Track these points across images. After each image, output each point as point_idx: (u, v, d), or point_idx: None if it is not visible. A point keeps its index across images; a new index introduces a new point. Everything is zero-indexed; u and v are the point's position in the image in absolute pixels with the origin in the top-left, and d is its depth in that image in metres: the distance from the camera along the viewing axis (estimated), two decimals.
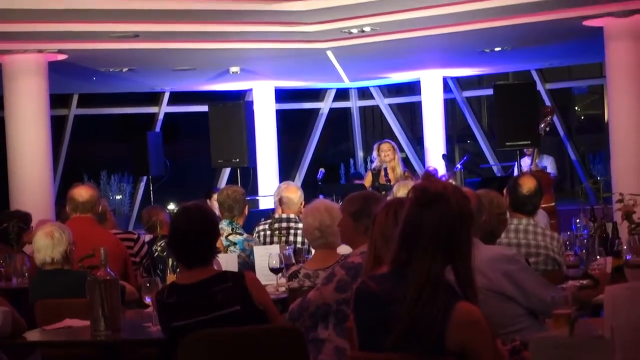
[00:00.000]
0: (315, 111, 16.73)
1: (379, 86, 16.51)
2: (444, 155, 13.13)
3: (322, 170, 11.49)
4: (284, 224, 7.42)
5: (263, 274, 6.19)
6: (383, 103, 16.77)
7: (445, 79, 15.22)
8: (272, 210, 8.46)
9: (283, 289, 5.98)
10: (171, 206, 12.25)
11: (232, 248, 6.99)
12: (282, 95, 15.49)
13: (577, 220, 6.90)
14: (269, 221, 7.56)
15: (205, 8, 10.02)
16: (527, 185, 6.19)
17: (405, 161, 14.02)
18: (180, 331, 4.30)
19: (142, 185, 15.12)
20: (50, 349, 5.38)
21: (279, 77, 14.50)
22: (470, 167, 14.15)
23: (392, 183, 10.72)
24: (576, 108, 18.45)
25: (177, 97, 15.66)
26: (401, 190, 7.49)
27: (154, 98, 15.50)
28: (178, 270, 5.34)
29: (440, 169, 12.45)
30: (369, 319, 3.20)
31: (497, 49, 12.61)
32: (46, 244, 5.69)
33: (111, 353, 4.88)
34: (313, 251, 5.81)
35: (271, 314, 4.49)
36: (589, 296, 4.87)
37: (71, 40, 10.69)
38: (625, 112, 10.78)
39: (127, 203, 15.11)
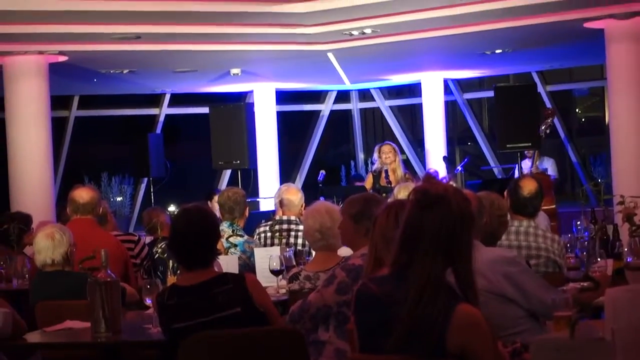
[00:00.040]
0: (316, 113, 16.73)
1: (380, 88, 16.51)
2: (444, 157, 13.13)
3: (322, 172, 11.49)
4: (285, 226, 7.42)
5: (264, 276, 6.19)
6: (384, 105, 16.77)
7: (446, 81, 15.22)
8: (273, 212, 8.46)
9: (283, 290, 5.98)
10: (172, 208, 12.24)
11: (232, 250, 6.99)
12: (282, 97, 15.49)
13: (578, 223, 6.90)
14: (269, 223, 7.57)
15: (206, 10, 10.02)
16: (528, 187, 6.19)
17: (406, 163, 14.03)
18: (180, 333, 4.30)
19: (143, 186, 15.12)
20: (51, 351, 5.38)
21: (280, 78, 14.50)
22: (470, 169, 14.15)
23: (392, 185, 10.72)
24: (577, 110, 18.45)
25: (178, 99, 15.66)
26: (402, 192, 7.49)
27: (154, 100, 15.51)
28: (178, 272, 5.34)
29: (441, 171, 12.44)
30: (370, 321, 3.20)
31: (497, 51, 12.61)
32: (47, 246, 5.70)
33: (112, 355, 4.89)
34: (314, 253, 5.81)
35: (272, 316, 4.49)
36: (590, 298, 4.87)
37: (72, 42, 10.69)
38: (626, 114, 10.78)
39: (127, 205, 15.11)
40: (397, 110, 16.87)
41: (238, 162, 12.88)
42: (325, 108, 16.69)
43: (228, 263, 6.26)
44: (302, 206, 7.50)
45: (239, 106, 13.34)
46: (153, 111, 15.56)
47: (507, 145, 11.56)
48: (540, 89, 14.80)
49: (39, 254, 5.73)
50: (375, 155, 11.71)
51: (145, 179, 14.53)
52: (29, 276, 7.09)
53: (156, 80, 14.07)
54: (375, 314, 3.18)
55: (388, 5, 10.09)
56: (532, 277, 4.44)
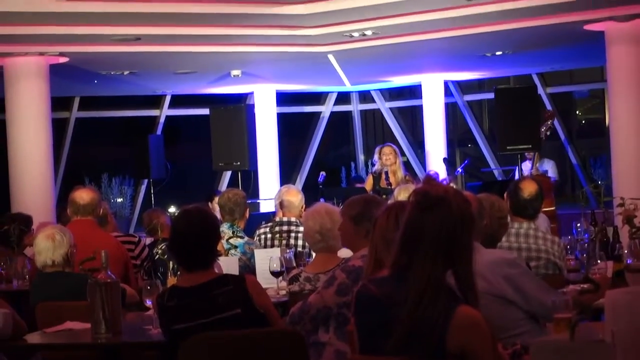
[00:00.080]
0: (317, 114, 16.74)
1: (380, 90, 16.52)
2: (444, 159, 13.14)
3: (323, 173, 11.50)
4: (285, 227, 7.42)
5: (264, 277, 6.19)
6: (384, 107, 16.78)
7: (446, 83, 15.23)
8: (273, 214, 8.47)
9: (284, 292, 5.98)
10: (172, 209, 12.25)
11: (233, 251, 6.99)
12: (283, 98, 15.50)
13: (578, 225, 6.90)
14: (269, 224, 7.57)
15: (207, 11, 10.02)
16: (528, 189, 6.19)
17: (406, 165, 14.03)
18: (180, 334, 4.30)
19: (143, 188, 15.12)
20: (51, 352, 5.38)
21: (280, 80, 14.51)
22: (471, 171, 14.16)
23: (393, 187, 10.72)
24: (577, 112, 18.46)
25: (178, 100, 15.67)
26: (402, 194, 7.49)
27: (155, 101, 15.51)
28: (179, 273, 5.34)
29: (441, 172, 12.45)
30: (370, 322, 3.20)
31: (498, 53, 12.62)
32: (47, 247, 5.70)
33: (112, 356, 4.89)
34: (314, 254, 5.81)
35: (272, 317, 4.49)
36: (590, 300, 4.87)
37: (73, 43, 10.70)
38: (626, 116, 10.79)
39: (128, 206, 15.11)
40: (398, 112, 16.88)
41: (238, 163, 12.88)
42: (326, 109, 16.70)
43: (228, 264, 6.26)
44: (302, 208, 7.50)
45: (239, 107, 13.35)
46: (153, 112, 15.56)
47: (507, 147, 11.56)
48: (540, 91, 14.82)
49: (39, 255, 5.73)
50: (376, 156, 11.72)
51: (146, 180, 14.54)
52: (29, 277, 7.10)
53: (157, 82, 14.07)
54: (375, 316, 3.18)
55: (388, 7, 10.10)
56: (532, 279, 4.44)
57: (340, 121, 17.33)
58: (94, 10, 9.66)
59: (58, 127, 13.26)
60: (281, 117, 15.29)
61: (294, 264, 6.26)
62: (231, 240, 7.04)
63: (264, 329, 4.39)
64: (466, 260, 3.15)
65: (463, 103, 16.08)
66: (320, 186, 11.27)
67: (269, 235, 7.45)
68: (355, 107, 17.08)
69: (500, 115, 11.79)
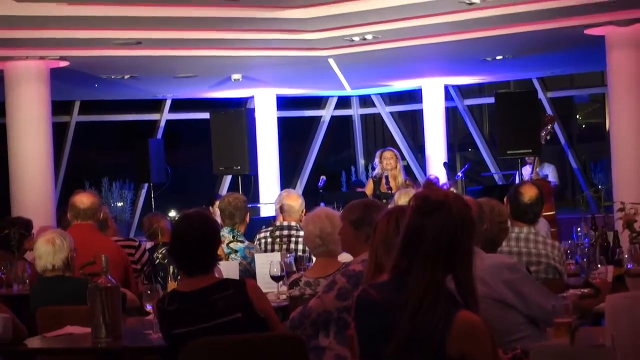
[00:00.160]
0: (317, 119, 16.74)
1: (381, 94, 16.52)
2: (445, 164, 13.13)
3: (323, 178, 11.50)
4: (285, 232, 7.42)
5: (264, 282, 6.19)
6: (384, 111, 16.78)
7: (446, 87, 15.23)
8: (274, 218, 8.47)
9: (284, 296, 5.98)
10: (172, 213, 12.25)
11: (233, 255, 6.99)
12: (283, 102, 15.51)
13: (578, 229, 6.90)
14: (270, 229, 7.57)
15: (208, 15, 10.04)
16: (528, 193, 6.18)
17: (407, 169, 14.03)
18: (181, 339, 4.30)
19: (144, 192, 15.12)
20: (51, 356, 5.37)
21: (281, 84, 14.51)
22: (471, 175, 14.15)
23: (393, 191, 10.72)
24: (577, 116, 18.47)
25: (179, 104, 15.67)
26: (402, 199, 7.49)
27: (155, 105, 15.52)
28: (179, 277, 5.34)
29: (442, 177, 12.45)
30: (370, 327, 3.20)
31: (498, 57, 12.62)
32: (47, 251, 5.70)
33: None
34: (314, 259, 5.81)
35: (272, 321, 4.49)
36: (590, 305, 4.87)
37: (73, 47, 10.71)
38: (627, 121, 10.79)
39: (128, 210, 15.11)
40: (398, 116, 16.88)
41: (239, 167, 12.87)
42: (326, 114, 16.70)
43: (228, 269, 6.26)
44: (302, 212, 7.51)
45: (239, 112, 13.34)
46: (154, 116, 15.57)
47: (508, 152, 11.57)
48: (540, 95, 14.82)
49: (40, 259, 5.73)
50: (377, 160, 11.72)
51: (146, 185, 14.54)
52: (30, 281, 7.10)
53: (157, 86, 14.08)
54: (375, 320, 3.18)
55: (389, 12, 10.11)
56: (532, 283, 4.44)
57: (341, 125, 17.33)
58: (94, 14, 9.68)
59: (58, 131, 13.26)
60: (281, 121, 15.29)
61: (294, 269, 6.26)
62: (231, 245, 7.04)
63: (265, 333, 4.39)
64: (466, 264, 3.15)
65: (463, 107, 16.08)
66: (321, 190, 11.27)
67: (269, 240, 7.45)
68: (355, 112, 17.08)
69: (501, 120, 11.80)
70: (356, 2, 10.02)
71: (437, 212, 3.14)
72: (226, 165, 13.03)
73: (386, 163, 11.51)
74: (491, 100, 13.35)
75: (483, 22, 10.42)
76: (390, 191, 11.03)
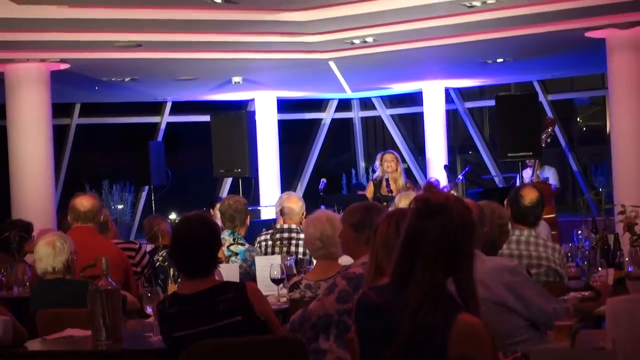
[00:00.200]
0: (317, 121, 16.74)
1: (381, 97, 16.53)
2: (445, 166, 13.14)
3: (323, 180, 11.50)
4: (286, 235, 7.42)
5: (264, 285, 6.19)
6: (385, 114, 16.79)
7: (447, 90, 15.23)
8: (274, 221, 8.47)
9: (284, 299, 5.98)
10: (173, 216, 12.25)
11: (233, 258, 6.99)
12: (284, 105, 15.51)
13: (579, 232, 6.90)
14: (270, 231, 7.57)
15: (208, 18, 10.04)
16: (529, 196, 6.18)
17: (407, 172, 14.03)
18: (181, 341, 4.30)
19: (144, 194, 15.12)
20: (52, 359, 5.37)
21: (281, 87, 14.52)
22: (471, 178, 14.16)
23: (394, 194, 10.72)
24: (578, 119, 18.47)
25: (179, 107, 15.68)
26: (403, 201, 7.49)
27: (156, 108, 15.52)
28: (179, 280, 5.34)
29: (442, 179, 12.46)
30: (371, 329, 3.20)
31: (499, 60, 12.62)
32: (47, 254, 5.70)
33: None
34: (314, 262, 5.81)
35: (272, 324, 4.48)
36: (591, 308, 4.86)
37: (74, 50, 10.71)
38: (627, 124, 10.80)
39: (128, 213, 15.12)
40: (398, 119, 16.88)
41: (239, 170, 12.87)
42: (327, 116, 16.71)
43: (229, 271, 6.26)
44: (303, 215, 7.50)
45: (240, 114, 13.34)
46: (154, 119, 15.57)
47: (508, 154, 11.57)
48: (541, 98, 14.82)
49: (40, 262, 5.73)
50: (377, 162, 11.72)
51: (147, 187, 14.54)
52: (30, 284, 7.09)
53: (158, 88, 14.08)
54: (376, 323, 3.18)
55: (390, 14, 10.11)
56: (533, 286, 4.44)
57: (341, 128, 17.34)
58: (95, 16, 9.68)
59: (59, 134, 13.27)
60: (282, 124, 15.29)
61: (295, 271, 6.26)
62: (232, 247, 7.04)
63: (265, 336, 4.39)
64: (467, 267, 3.14)
65: (464, 110, 16.09)
66: (321, 193, 11.27)
67: (269, 242, 7.44)
68: (356, 114, 17.08)
69: (501, 123, 11.80)
70: (357, 5, 10.01)
71: (438, 215, 3.13)
72: (226, 168, 13.03)
73: (387, 166, 11.51)
74: (492, 102, 13.35)
75: (483, 25, 10.42)
76: (390, 194, 11.03)
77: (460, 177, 12.35)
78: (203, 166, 14.19)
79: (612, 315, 3.38)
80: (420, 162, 16.34)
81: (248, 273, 6.81)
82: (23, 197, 10.87)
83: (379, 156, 11.78)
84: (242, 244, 7.11)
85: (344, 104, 16.83)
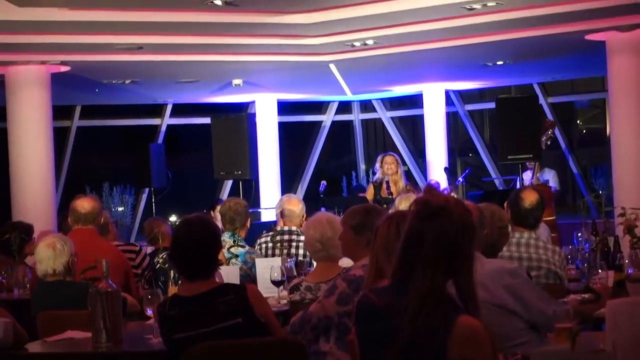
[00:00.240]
0: (318, 124, 16.75)
1: (382, 99, 16.54)
2: (445, 169, 13.14)
3: (324, 182, 11.50)
4: (286, 237, 7.42)
5: (265, 287, 6.19)
6: (385, 116, 16.79)
7: (447, 92, 15.24)
8: (274, 223, 8.47)
9: (284, 301, 5.98)
10: (173, 218, 12.26)
11: (234, 260, 7.00)
12: (284, 107, 15.51)
13: (579, 234, 6.90)
14: (270, 233, 7.57)
15: (209, 20, 10.04)
16: (529, 198, 6.18)
17: (407, 174, 14.03)
18: (181, 343, 4.30)
19: (144, 197, 15.13)
20: None
21: (282, 89, 14.52)
22: (472, 180, 14.16)
23: (394, 196, 10.72)
24: (578, 122, 18.46)
25: (180, 109, 15.68)
26: (403, 204, 7.49)
27: (156, 110, 15.53)
28: (180, 282, 5.34)
29: (442, 182, 12.46)
30: (371, 332, 3.20)
31: (499, 62, 12.63)
32: (48, 256, 5.70)
33: None
34: (315, 264, 5.81)
35: (273, 326, 4.49)
36: (591, 310, 4.87)
37: (74, 52, 10.71)
38: (627, 126, 10.80)
39: (129, 215, 15.12)
40: (399, 121, 16.89)
41: (239, 172, 12.87)
42: (327, 119, 16.71)
43: (229, 273, 6.27)
44: (303, 217, 7.51)
45: (240, 117, 13.35)
46: (155, 121, 15.58)
47: (508, 157, 11.57)
48: (541, 100, 14.84)
49: (40, 264, 5.73)
50: (378, 165, 11.71)
51: (147, 189, 14.55)
52: (30, 286, 7.09)
53: (158, 91, 14.09)
54: (376, 325, 3.18)
55: (390, 17, 10.11)
56: (532, 288, 4.44)
57: (342, 130, 17.34)
58: (95, 19, 9.68)
59: (59, 136, 13.27)
60: (282, 126, 15.30)
61: (295, 273, 6.26)
62: (232, 250, 7.05)
63: (265, 338, 4.39)
64: (467, 269, 3.14)
65: (464, 112, 16.09)
66: (321, 195, 11.27)
67: (270, 245, 7.45)
68: (356, 117, 17.09)
69: (501, 125, 11.80)
70: (357, 8, 10.02)
71: (438, 217, 3.13)
72: (227, 170, 13.03)
73: (387, 168, 11.51)
74: (492, 105, 13.35)
75: (484, 28, 10.42)
76: (391, 196, 11.03)
77: (460, 179, 12.35)
78: (203, 168, 14.19)
79: (612, 317, 3.39)
80: (420, 165, 16.35)
81: (248, 275, 6.81)
82: (23, 199, 10.87)
83: (379, 158, 11.77)
84: (242, 246, 7.12)
85: (345, 107, 16.84)
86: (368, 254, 4.05)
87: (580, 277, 6.10)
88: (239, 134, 12.85)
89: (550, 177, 13.17)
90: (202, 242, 4.45)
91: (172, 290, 5.57)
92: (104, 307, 4.72)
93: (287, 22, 10.33)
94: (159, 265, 7.30)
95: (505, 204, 6.19)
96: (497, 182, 15.68)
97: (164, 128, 15.53)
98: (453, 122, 16.56)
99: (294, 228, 7.45)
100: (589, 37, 10.78)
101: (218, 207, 8.93)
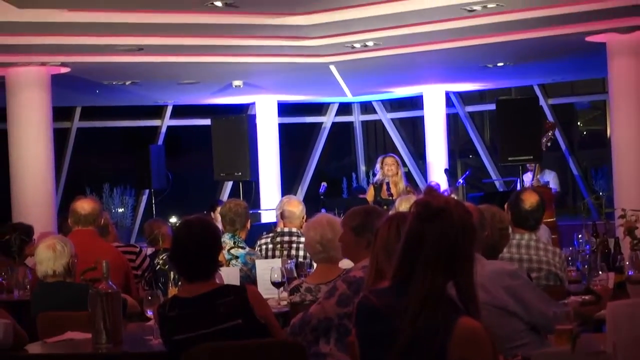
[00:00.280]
0: (318, 125, 16.75)
1: (382, 100, 16.54)
2: (446, 170, 13.13)
3: (324, 184, 11.50)
4: (286, 238, 7.42)
5: (265, 288, 6.19)
6: (385, 117, 16.79)
7: (447, 94, 15.24)
8: (274, 224, 8.47)
9: (285, 302, 5.98)
10: (173, 219, 12.26)
11: (234, 262, 7.00)
12: (284, 109, 15.52)
13: (579, 236, 6.89)
14: (271, 235, 7.57)
15: (209, 22, 10.04)
16: (529, 200, 6.18)
17: (408, 176, 14.03)
18: (181, 344, 4.30)
19: (145, 198, 15.13)
20: None
21: (282, 91, 14.52)
22: (472, 181, 14.16)
23: (394, 197, 10.72)
24: (578, 123, 18.46)
25: (180, 111, 15.68)
26: (403, 205, 7.49)
27: (156, 111, 15.53)
28: (180, 283, 5.34)
29: (443, 183, 12.46)
30: (371, 333, 3.20)
31: (499, 64, 12.63)
32: (48, 257, 5.70)
33: None
34: (315, 265, 5.81)
35: (273, 328, 4.49)
36: (591, 312, 4.87)
37: (74, 54, 10.71)
38: (628, 128, 10.80)
39: (129, 216, 15.12)
40: (399, 123, 16.89)
41: (240, 173, 12.87)
42: (327, 120, 16.71)
43: (229, 275, 6.27)
44: (303, 218, 7.51)
45: (240, 118, 13.35)
46: (155, 122, 15.58)
47: (509, 158, 11.57)
48: (542, 102, 14.83)
49: (40, 265, 5.73)
50: (378, 166, 11.71)
51: (147, 191, 14.54)
52: (30, 287, 7.09)
53: (158, 92, 14.09)
54: (376, 327, 3.18)
55: (390, 18, 10.11)
56: (533, 290, 4.44)
57: (342, 132, 17.34)
58: (96, 20, 9.68)
59: (59, 137, 13.27)
60: (282, 128, 15.30)
61: (295, 275, 6.26)
62: (232, 251, 7.05)
63: (265, 339, 4.39)
64: (467, 271, 3.14)
65: (464, 114, 16.09)
66: (322, 197, 11.27)
67: (270, 246, 7.45)
68: (356, 118, 17.09)
69: (502, 127, 11.80)
70: (357, 9, 10.02)
71: (438, 219, 3.13)
72: (227, 172, 13.03)
73: (387, 169, 11.51)
74: (492, 107, 13.35)
75: (484, 29, 10.42)
76: (391, 197, 11.03)
77: (460, 180, 12.34)
78: (203, 170, 14.19)
79: (613, 319, 3.39)
80: (420, 166, 16.35)
81: (248, 276, 6.81)
82: (24, 201, 10.87)
83: (379, 160, 11.77)
84: (242, 248, 7.12)
85: (345, 108, 16.84)
86: (368, 255, 4.05)
87: (581, 278, 6.09)
88: (239, 135, 12.85)
89: (551, 178, 13.17)
90: (202, 244, 4.45)
91: (172, 291, 5.57)
92: (104, 308, 4.72)
93: (287, 24, 10.34)
94: (159, 266, 7.29)
95: (505, 206, 6.19)
96: (497, 183, 15.68)
97: (164, 129, 15.53)
98: (453, 123, 16.55)
99: (294, 229, 7.45)
100: (589, 38, 10.78)
101: (218, 209, 8.94)
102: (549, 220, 8.80)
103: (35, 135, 10.96)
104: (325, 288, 4.96)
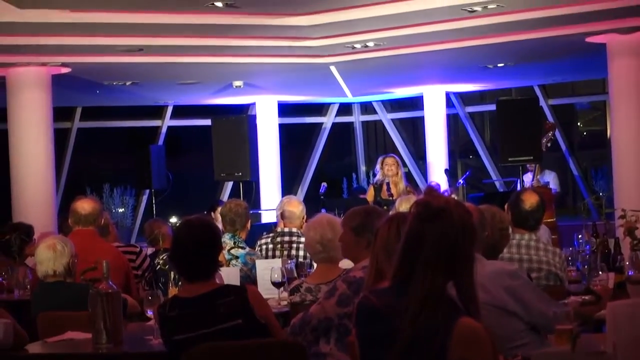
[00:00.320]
0: (318, 125, 16.75)
1: (382, 101, 16.53)
2: (446, 170, 13.13)
3: (324, 184, 11.50)
4: (286, 238, 7.42)
5: (265, 288, 6.19)
6: (386, 118, 16.79)
7: (448, 95, 15.24)
8: (275, 224, 8.47)
9: (285, 303, 5.98)
10: (173, 219, 12.26)
11: (234, 262, 7.00)
12: (285, 109, 15.52)
13: (579, 236, 6.90)
14: (271, 235, 7.57)
15: (209, 22, 10.04)
16: (530, 200, 6.18)
17: (408, 176, 14.03)
18: (181, 344, 4.30)
19: (145, 198, 15.13)
20: None
21: (282, 91, 14.52)
22: (472, 182, 14.15)
23: (394, 198, 10.72)
24: (579, 124, 18.46)
25: (180, 111, 15.69)
26: (403, 205, 7.49)
27: (157, 111, 15.53)
28: (180, 283, 5.34)
29: (443, 184, 12.46)
30: (371, 333, 3.20)
31: (499, 64, 12.63)
32: (48, 257, 5.70)
33: None
34: (315, 265, 5.81)
35: (273, 328, 4.49)
36: (591, 312, 4.87)
37: (75, 54, 10.72)
38: (628, 128, 10.81)
39: (129, 216, 15.12)
40: (399, 123, 16.89)
41: (240, 174, 12.87)
42: (328, 120, 16.71)
43: (229, 275, 6.27)
44: (303, 218, 7.51)
45: (241, 118, 13.35)
46: (155, 123, 15.58)
47: (509, 159, 11.57)
48: (542, 102, 14.83)
49: (41, 265, 5.73)
50: (378, 166, 11.71)
51: (147, 191, 14.54)
52: (31, 287, 7.09)
53: (159, 92, 14.09)
54: (376, 327, 3.18)
55: (390, 19, 10.11)
56: (533, 290, 4.44)
57: (342, 132, 17.34)
58: (96, 21, 9.68)
59: (60, 137, 13.27)
60: (283, 128, 15.30)
61: (295, 275, 6.26)
62: (232, 251, 7.05)
63: (265, 339, 4.39)
64: (467, 271, 3.14)
65: (465, 114, 16.09)
66: (322, 197, 11.27)
67: (270, 246, 7.45)
68: (356, 118, 17.09)
69: (502, 127, 11.80)
70: (358, 10, 10.02)
71: (438, 219, 3.14)
72: (227, 172, 13.02)
73: (387, 169, 11.51)
74: (492, 107, 13.35)
75: (484, 30, 10.42)
76: (391, 198, 11.03)
77: (460, 181, 12.34)
78: (204, 170, 14.19)
79: (613, 319, 3.39)
80: (420, 166, 16.35)
81: (249, 276, 6.82)
82: (24, 200, 10.87)
83: (379, 160, 11.77)
84: (242, 248, 7.12)
85: (345, 108, 16.84)
86: (368, 255, 4.06)
87: (581, 278, 6.09)
88: (239, 135, 12.84)
89: (551, 179, 13.17)
90: (202, 244, 4.45)
91: (173, 291, 5.57)
92: (104, 308, 4.73)
93: (287, 24, 10.34)
94: (159, 266, 7.30)
95: (505, 206, 6.19)
96: (497, 184, 15.68)
97: (164, 129, 15.53)
98: (453, 124, 16.55)
99: (294, 229, 7.45)
100: (589, 39, 10.78)
101: (218, 209, 8.94)
102: (549, 220, 8.80)
103: (35, 135, 10.96)
104: (325, 288, 4.96)
